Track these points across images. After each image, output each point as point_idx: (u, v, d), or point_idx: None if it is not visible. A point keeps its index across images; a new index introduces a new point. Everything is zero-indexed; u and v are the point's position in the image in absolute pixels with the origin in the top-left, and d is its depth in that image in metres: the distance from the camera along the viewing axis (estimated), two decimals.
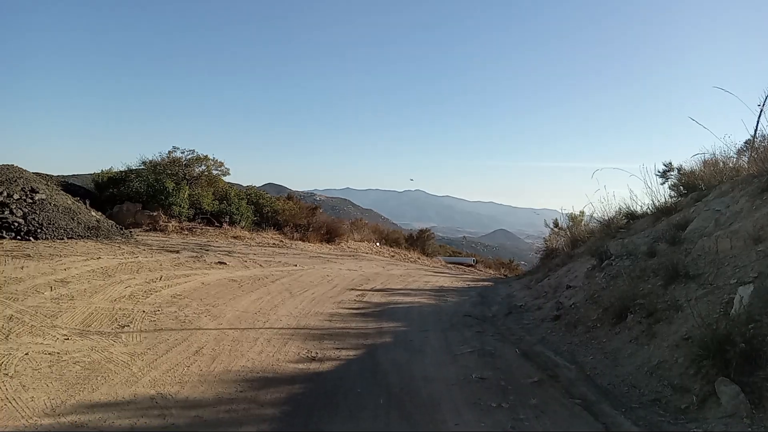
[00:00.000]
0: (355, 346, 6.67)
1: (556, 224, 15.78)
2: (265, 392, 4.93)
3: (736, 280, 5.74)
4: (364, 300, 9.66)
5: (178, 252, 12.53)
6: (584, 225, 14.14)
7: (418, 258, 21.57)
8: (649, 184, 11.71)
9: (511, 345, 6.95)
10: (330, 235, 20.72)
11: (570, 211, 14.58)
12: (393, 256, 20.24)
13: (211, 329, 6.78)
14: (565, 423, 4.56)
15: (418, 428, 4.35)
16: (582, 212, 14.40)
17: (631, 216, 11.54)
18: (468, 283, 14.11)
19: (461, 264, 22.78)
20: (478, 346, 6.83)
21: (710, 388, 4.59)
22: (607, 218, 12.06)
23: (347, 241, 21.49)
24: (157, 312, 7.26)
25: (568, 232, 14.26)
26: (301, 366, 5.75)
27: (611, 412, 4.77)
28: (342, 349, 6.49)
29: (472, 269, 21.47)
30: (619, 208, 11.84)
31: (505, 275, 19.41)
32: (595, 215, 12.88)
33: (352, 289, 10.58)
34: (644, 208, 11.40)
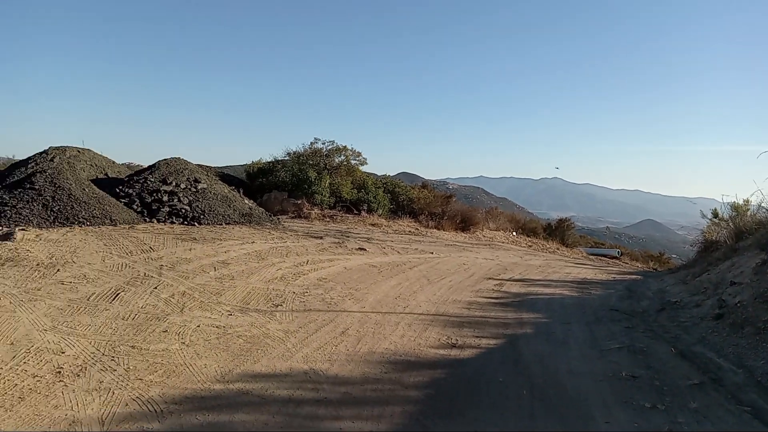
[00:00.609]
0: (495, 335, 6.61)
1: (715, 214, 14.32)
2: (408, 375, 5.07)
3: None
4: (503, 290, 9.52)
5: (321, 238, 13.24)
6: (750, 215, 12.68)
7: (557, 248, 20.75)
8: None
9: (665, 343, 6.46)
10: (465, 224, 20.62)
11: (733, 200, 13.13)
12: (530, 246, 19.67)
13: (354, 312, 7.10)
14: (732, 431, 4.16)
15: (564, 422, 4.23)
16: (747, 201, 12.91)
17: None
18: (613, 275, 13.32)
19: (604, 256, 21.52)
20: (627, 342, 6.44)
21: None
22: None
23: (482, 230, 21.26)
24: (306, 293, 7.75)
25: (730, 223, 12.88)
26: (442, 352, 5.83)
27: None
28: (482, 337, 6.46)
29: (617, 262, 20.20)
30: None
31: (654, 269, 18.03)
32: (764, 204, 11.49)
33: (490, 278, 10.47)
34: None
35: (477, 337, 6.46)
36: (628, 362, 5.73)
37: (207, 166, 22.58)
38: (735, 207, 13.39)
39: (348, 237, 14.14)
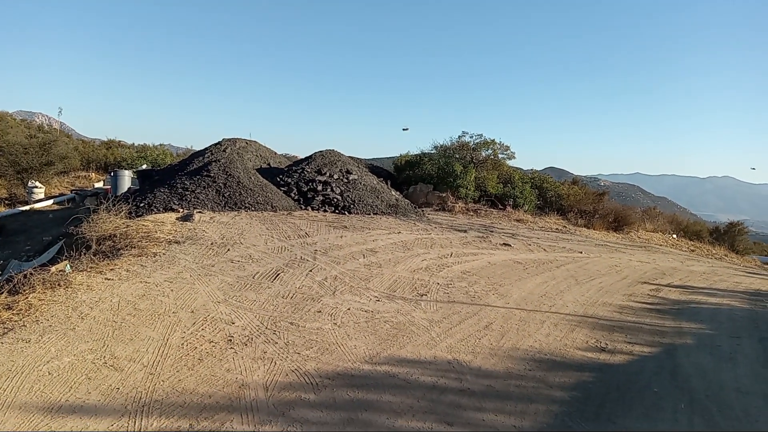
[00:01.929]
0: (650, 343, 6.20)
1: None
2: (554, 375, 4.96)
3: None
4: (659, 295, 8.85)
5: (465, 231, 13.25)
6: None
7: (725, 255, 18.68)
8: None
9: None
10: (618, 224, 19.37)
11: None
12: (693, 251, 17.94)
13: (498, 307, 7.06)
14: None
15: None
16: None
17: None
18: None
19: None
20: None
21: None
22: None
23: (637, 231, 19.83)
24: (450, 285, 7.84)
25: None
26: (589, 354, 5.61)
27: None
28: (635, 344, 6.10)
29: None
30: None
31: None
32: None
33: (645, 283, 9.77)
34: None
35: (629, 343, 6.11)
36: None
37: (358, 158, 23.59)
38: None
39: (492, 232, 14.00)
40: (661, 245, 17.81)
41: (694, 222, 25.48)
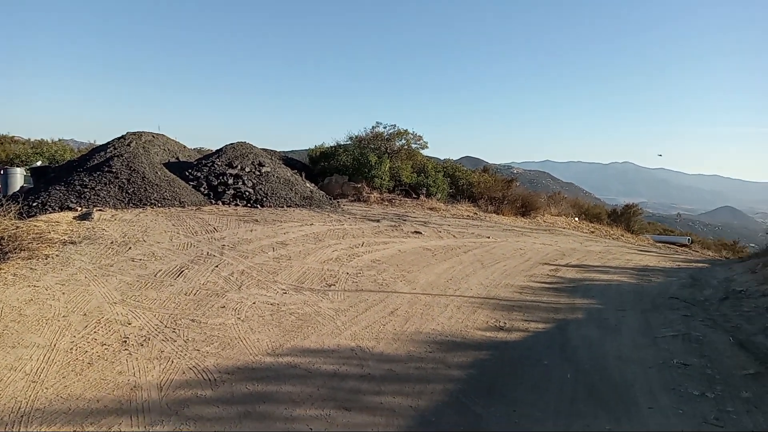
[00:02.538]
0: (545, 319, 6.58)
1: None
2: (453, 355, 5.16)
3: None
4: (558, 275, 9.39)
5: (378, 221, 13.41)
6: None
7: (622, 235, 20.05)
8: None
9: (724, 332, 6.23)
10: (525, 209, 20.28)
11: None
12: (593, 232, 19.11)
13: (405, 293, 7.23)
14: None
15: (605, 406, 4.21)
16: None
17: None
18: (678, 263, 12.80)
19: (673, 243, 20.62)
20: (683, 331, 6.26)
21: None
22: None
23: (543, 215, 20.85)
24: (359, 274, 7.94)
25: None
26: (488, 334, 5.87)
27: None
28: (531, 321, 6.45)
29: (686, 250, 19.34)
30: None
31: (725, 258, 17.17)
32: None
33: (546, 264, 10.32)
34: None
35: (526, 321, 6.46)
36: (681, 350, 5.59)
37: (271, 150, 23.20)
38: None
39: (405, 220, 14.25)
40: (564, 228, 18.84)
41: (594, 205, 27.09)
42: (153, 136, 18.04)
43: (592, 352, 5.47)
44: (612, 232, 20.42)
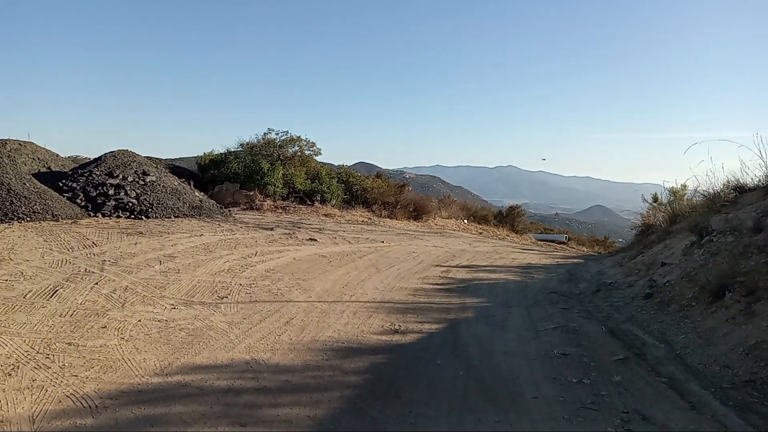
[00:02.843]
0: (438, 320, 6.81)
1: (655, 199, 14.92)
2: (349, 361, 5.20)
3: None
4: (449, 276, 9.76)
5: (272, 229, 13.19)
6: (686, 200, 13.29)
7: (507, 235, 21.25)
8: (764, 155, 10.79)
9: (597, 322, 6.80)
10: (417, 213, 20.85)
11: (672, 186, 13.75)
12: (481, 233, 20.07)
13: (301, 302, 7.17)
14: (649, 401, 4.46)
15: (494, 399, 4.44)
16: (685, 186, 13.51)
17: (740, 189, 10.70)
18: (557, 260, 13.79)
19: (552, 241, 22.18)
20: (562, 323, 6.75)
21: None
22: (712, 192, 11.27)
23: (434, 219, 21.55)
24: (253, 285, 7.76)
25: (668, 208, 13.47)
26: (384, 338, 5.98)
27: (699, 391, 4.61)
28: (424, 322, 6.65)
29: (564, 246, 20.87)
30: (727, 181, 10.99)
31: (598, 253, 18.72)
32: (699, 189, 12.04)
33: (438, 266, 10.69)
34: (756, 181, 10.53)
35: (420, 322, 6.64)
36: (560, 341, 6.02)
37: (156, 159, 22.04)
38: (673, 192, 13.99)
39: (299, 228, 14.13)
40: (454, 230, 19.60)
41: (482, 207, 28.44)
42: (20, 144, 16.48)
43: (482, 349, 5.73)
44: (498, 232, 21.54)
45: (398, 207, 20.93)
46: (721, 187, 11.10)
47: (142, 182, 14.74)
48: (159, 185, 15.02)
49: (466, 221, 22.71)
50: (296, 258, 9.96)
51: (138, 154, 16.69)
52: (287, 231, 13.13)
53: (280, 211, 18.22)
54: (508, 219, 24.77)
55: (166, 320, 5.93)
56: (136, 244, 9.61)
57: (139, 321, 5.83)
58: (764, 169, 10.08)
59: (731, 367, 5.00)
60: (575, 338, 6.15)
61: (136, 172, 15.12)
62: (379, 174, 27.47)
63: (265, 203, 18.67)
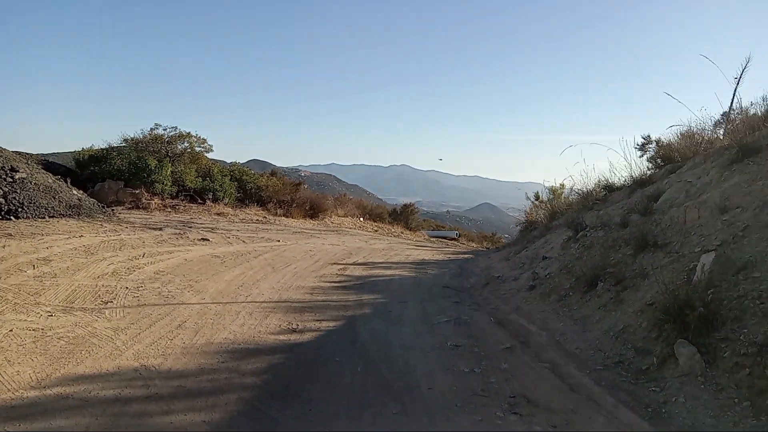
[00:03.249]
0: (335, 317, 6.86)
1: (537, 197, 15.98)
2: (246, 362, 5.10)
3: (700, 249, 5.98)
4: (346, 273, 9.84)
5: (161, 229, 12.58)
6: (564, 198, 14.36)
7: (402, 232, 21.76)
8: (628, 157, 11.97)
9: (487, 314, 7.19)
10: (314, 211, 20.79)
11: (551, 185, 14.81)
12: (376, 231, 20.39)
13: (194, 304, 6.91)
14: (533, 385, 4.79)
15: (392, 392, 4.56)
16: (562, 185, 14.60)
17: (609, 188, 11.78)
18: (449, 256, 14.34)
19: (444, 238, 23.02)
20: (454, 316, 7.06)
21: (670, 350, 4.84)
22: (585, 191, 12.32)
23: (331, 217, 21.60)
24: (140, 288, 7.37)
25: (548, 205, 14.49)
26: (282, 337, 5.92)
27: (577, 373, 5.03)
28: (322, 320, 6.67)
29: (455, 243, 21.74)
30: (598, 181, 12.08)
31: (486, 248, 19.69)
32: (574, 188, 13.10)
33: (334, 264, 10.74)
34: (622, 181, 11.65)
35: (317, 320, 6.65)
36: (453, 333, 6.30)
37: (27, 154, 20.18)
38: (552, 191, 15.05)
39: (191, 227, 13.59)
40: (350, 228, 19.76)
41: (377, 205, 28.89)
42: None
43: (379, 344, 5.86)
44: (393, 230, 22.00)
45: (294, 205, 20.74)
46: (593, 186, 12.19)
47: (11, 179, 13.44)
48: (30, 183, 13.78)
49: (362, 219, 22.97)
50: (188, 259, 9.57)
51: (5, 149, 15.25)
52: (178, 231, 12.57)
53: (170, 210, 17.41)
54: (403, 217, 25.35)
55: (43, 329, 5.48)
56: (4, 247, 8.76)
57: (11, 331, 5.33)
58: (629, 170, 11.17)
59: (603, 350, 5.50)
60: (467, 330, 6.46)
61: (2, 168, 13.76)
62: (274, 172, 27.03)
63: (153, 202, 17.76)
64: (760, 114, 9.74)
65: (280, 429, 3.87)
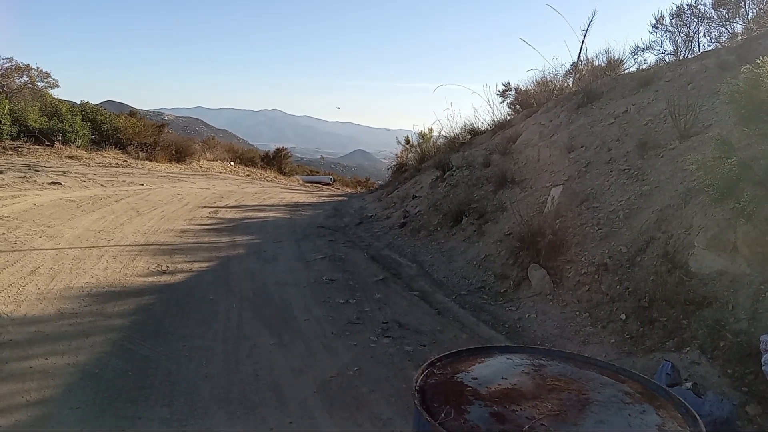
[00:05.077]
0: (208, 258, 6.71)
1: (407, 141, 16.42)
2: (113, 305, 4.87)
3: (550, 183, 6.60)
4: (218, 216, 9.56)
5: (1, 173, 11.26)
6: (432, 142, 14.91)
7: (275, 177, 21.38)
8: (490, 103, 12.66)
9: (360, 250, 7.42)
10: (180, 155, 19.64)
11: (421, 129, 15.27)
12: (248, 176, 19.87)
13: (47, 249, 6.37)
14: (404, 311, 5.12)
15: (269, 324, 4.63)
16: (431, 130, 15.12)
17: (473, 132, 12.44)
18: (323, 198, 14.42)
19: (319, 183, 23.00)
20: (329, 253, 7.21)
21: (524, 273, 5.38)
22: (452, 134, 12.92)
23: (199, 161, 20.59)
24: None
25: (418, 149, 14.98)
26: (150, 279, 5.70)
27: (444, 299, 5.43)
28: (194, 262, 6.49)
29: (330, 188, 21.84)
30: (464, 125, 12.70)
31: (360, 192, 20.04)
32: (443, 132, 13.65)
33: (205, 207, 10.36)
34: (485, 125, 12.36)
35: (189, 262, 6.47)
36: (328, 269, 6.45)
37: None
38: (422, 135, 15.54)
39: (38, 171, 12.29)
40: (220, 172, 19.07)
41: (248, 150, 28.02)
42: None
43: (255, 282, 5.86)
44: (266, 174, 21.57)
45: (158, 149, 19.44)
46: (459, 130, 12.82)
47: None
48: None
49: (232, 163, 22.20)
50: (37, 203, 8.70)
51: None
52: (23, 174, 11.33)
53: (11, 152, 15.57)
54: (276, 161, 24.83)
55: None
56: None
57: None
58: (491, 114, 11.88)
59: (467, 278, 5.96)
60: (341, 265, 6.64)
61: None
62: (133, 113, 25.02)
63: None
64: (603, 64, 10.81)
65: (152, 366, 3.79)
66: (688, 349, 3.61)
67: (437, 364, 1.74)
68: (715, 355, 3.48)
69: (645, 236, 4.61)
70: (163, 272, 5.96)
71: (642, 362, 3.72)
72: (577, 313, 4.62)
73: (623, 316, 4.20)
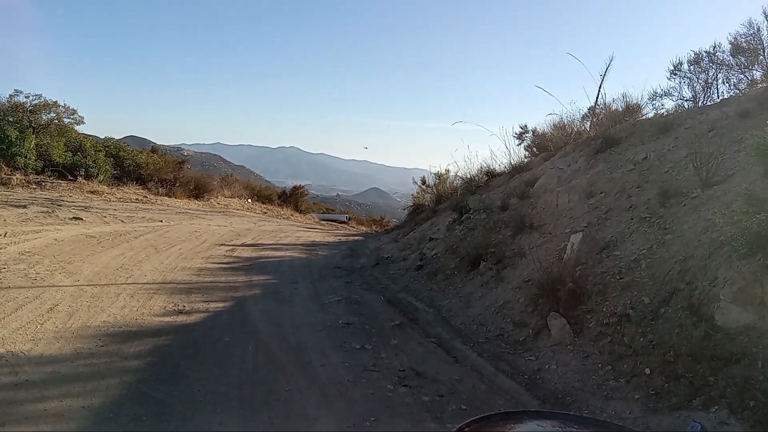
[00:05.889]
0: (224, 298, 6.70)
1: (423, 182, 16.49)
2: (129, 345, 4.85)
3: (570, 229, 6.54)
4: (234, 255, 9.60)
5: (25, 207, 11.46)
6: (449, 183, 14.95)
7: (291, 215, 21.50)
8: (507, 145, 12.73)
9: (377, 293, 7.38)
10: (199, 191, 19.88)
11: (437, 170, 15.34)
12: (265, 213, 20.01)
13: (66, 286, 6.41)
14: (421, 359, 5.03)
15: (284, 370, 4.58)
16: (447, 170, 15.18)
17: (490, 174, 12.48)
18: (339, 238, 14.45)
19: (334, 221, 23.07)
20: (345, 295, 7.17)
21: (543, 322, 5.29)
22: (469, 176, 12.96)
23: (217, 197, 20.81)
24: (3, 270, 6.69)
25: (434, 189, 15.02)
26: (167, 319, 5.69)
27: (461, 347, 5.35)
28: (210, 301, 6.48)
29: (345, 226, 21.88)
30: (481, 167, 12.74)
31: (375, 231, 20.05)
32: (459, 173, 13.70)
33: (222, 245, 10.42)
34: (502, 167, 12.39)
35: (205, 301, 6.46)
36: (344, 312, 6.41)
37: None
38: (438, 176, 15.60)
39: (60, 206, 12.51)
40: (238, 209, 19.23)
41: (266, 187, 28.25)
42: None
43: (270, 323, 5.82)
44: (283, 212, 21.70)
45: (177, 185, 19.72)
46: (476, 172, 12.86)
47: None
48: None
49: (250, 200, 22.40)
50: (58, 239, 8.82)
51: None
52: (45, 209, 11.52)
53: (35, 186, 15.89)
54: (292, 199, 25.00)
55: None
56: None
57: None
58: (508, 157, 11.92)
59: (485, 324, 5.88)
60: (357, 308, 6.59)
61: None
62: (155, 149, 25.50)
63: (14, 177, 16.08)
64: (621, 109, 10.85)
65: (167, 411, 3.74)
66: (716, 408, 3.49)
67: (466, 430, 1.69)
68: (745, 416, 3.36)
69: (668, 287, 4.53)
70: (180, 312, 5.95)
71: (668, 421, 3.60)
72: (599, 365, 4.51)
73: (647, 371, 4.09)
